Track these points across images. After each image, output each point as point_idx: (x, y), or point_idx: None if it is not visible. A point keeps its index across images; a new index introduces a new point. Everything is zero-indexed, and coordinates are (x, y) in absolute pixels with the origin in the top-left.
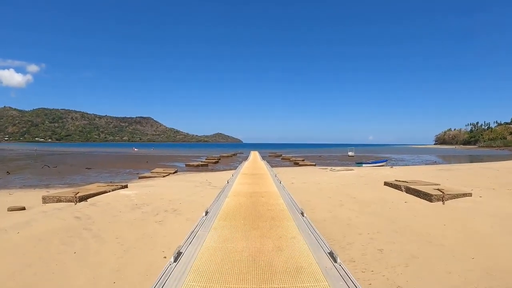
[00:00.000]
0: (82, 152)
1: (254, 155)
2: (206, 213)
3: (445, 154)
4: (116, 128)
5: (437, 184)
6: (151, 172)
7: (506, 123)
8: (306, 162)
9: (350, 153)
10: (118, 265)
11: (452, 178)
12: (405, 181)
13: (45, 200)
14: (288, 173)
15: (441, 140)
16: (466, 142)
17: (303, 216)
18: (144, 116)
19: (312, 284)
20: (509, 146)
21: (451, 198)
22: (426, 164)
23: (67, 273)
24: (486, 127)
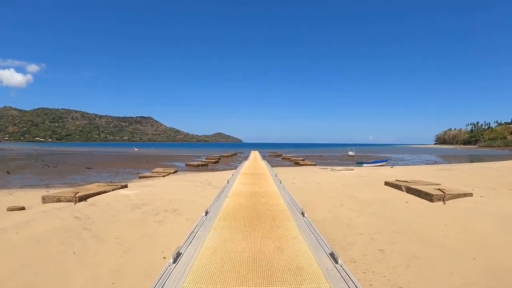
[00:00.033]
0: (82, 151)
1: (254, 154)
2: (206, 213)
3: (445, 154)
4: (117, 128)
5: (438, 184)
6: (151, 172)
7: (507, 123)
8: (306, 162)
9: (350, 153)
10: (118, 266)
11: (453, 178)
12: (406, 181)
13: (45, 200)
14: (289, 173)
15: (441, 140)
16: (466, 142)
17: (303, 216)
18: (145, 115)
19: (313, 285)
20: (510, 146)
21: (452, 198)
22: (427, 164)
23: (66, 273)
24: (486, 127)
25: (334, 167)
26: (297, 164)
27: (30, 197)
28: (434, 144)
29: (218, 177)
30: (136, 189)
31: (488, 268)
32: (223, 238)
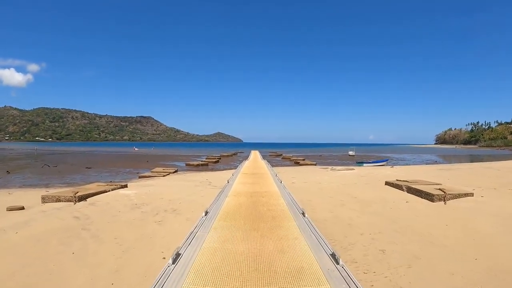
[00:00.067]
0: (82, 151)
1: (255, 154)
2: (206, 213)
3: (445, 154)
4: (117, 128)
5: (439, 184)
6: (151, 172)
7: (507, 123)
8: (306, 161)
9: (350, 153)
10: (117, 266)
11: (453, 177)
12: (406, 181)
13: (44, 199)
14: (289, 173)
15: (441, 139)
16: (466, 142)
17: (304, 216)
18: (145, 115)
19: (314, 286)
20: (510, 145)
21: (452, 198)
22: (427, 163)
23: (65, 274)
24: (486, 127)
25: (334, 167)
26: (297, 163)
27: (30, 196)
28: (435, 144)
29: (218, 177)
30: (136, 189)
31: (489, 269)
32: (223, 238)
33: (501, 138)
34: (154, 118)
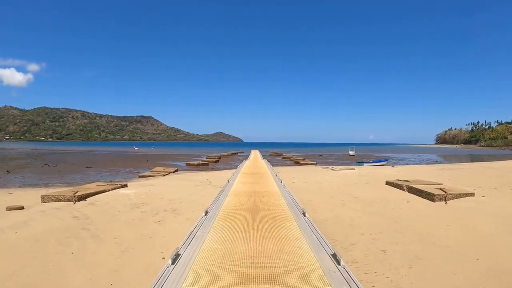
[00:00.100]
0: (82, 151)
1: (255, 154)
2: (206, 213)
3: (446, 154)
4: (117, 127)
5: (439, 184)
6: (151, 171)
7: (507, 123)
8: (307, 161)
9: (351, 152)
10: (116, 266)
11: (454, 177)
12: (407, 181)
13: (44, 199)
14: (289, 172)
15: (442, 139)
16: (467, 142)
17: (304, 216)
18: (145, 115)
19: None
20: (510, 145)
21: (453, 198)
22: (427, 163)
23: (64, 274)
24: (487, 127)
25: (334, 167)
26: (297, 163)
27: (30, 196)
28: (435, 143)
29: (218, 177)
30: (136, 189)
31: (491, 269)
32: (223, 238)
33: (501, 138)
34: (154, 118)
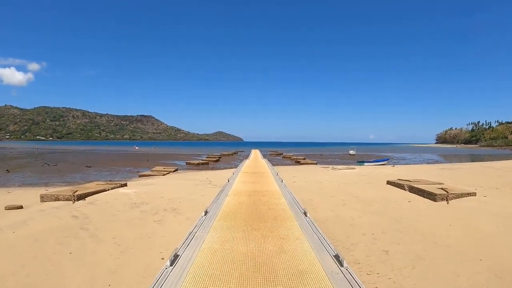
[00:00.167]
0: (83, 150)
1: (255, 153)
2: (206, 212)
3: (446, 153)
4: (117, 127)
5: (441, 183)
6: (151, 171)
7: (508, 123)
8: (307, 160)
9: (351, 152)
10: (115, 266)
11: (455, 177)
12: (408, 180)
13: (43, 198)
14: (290, 172)
15: (442, 139)
16: (467, 141)
17: (306, 216)
18: (145, 114)
19: None
20: (510, 145)
21: (455, 198)
22: (428, 163)
23: (63, 274)
24: (487, 127)
25: (335, 166)
26: (298, 163)
27: (29, 195)
28: (435, 143)
29: (218, 176)
30: (136, 188)
31: (495, 270)
32: (223, 238)
33: (501, 137)
34: (155, 117)
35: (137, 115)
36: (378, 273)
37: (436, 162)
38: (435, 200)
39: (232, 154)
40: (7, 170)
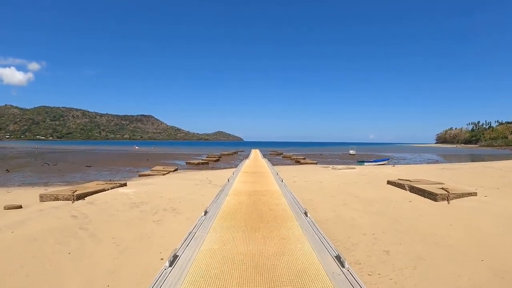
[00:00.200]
0: (83, 150)
1: (255, 153)
2: (206, 212)
3: (446, 153)
4: (117, 126)
5: (441, 183)
6: (151, 170)
7: (508, 123)
8: (307, 160)
9: (351, 152)
10: (113, 267)
11: (455, 177)
12: (409, 180)
13: (43, 198)
14: (290, 172)
15: (442, 139)
16: (467, 141)
17: (306, 216)
18: (145, 114)
19: None
20: (511, 145)
21: (456, 198)
22: (428, 163)
23: (62, 274)
24: (487, 126)
25: (335, 166)
26: (298, 162)
27: (29, 195)
28: (435, 143)
29: (218, 176)
30: (136, 188)
31: (497, 271)
32: (222, 239)
33: (501, 137)
34: (155, 117)
35: (137, 115)
36: (379, 274)
37: (436, 162)
38: (436, 200)
39: (232, 154)
40: (7, 170)
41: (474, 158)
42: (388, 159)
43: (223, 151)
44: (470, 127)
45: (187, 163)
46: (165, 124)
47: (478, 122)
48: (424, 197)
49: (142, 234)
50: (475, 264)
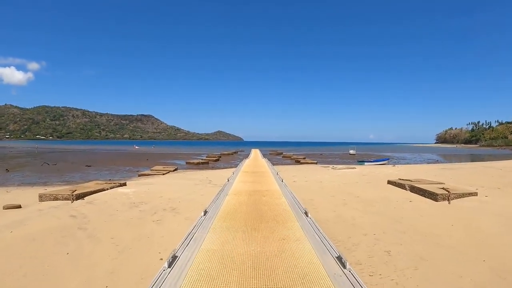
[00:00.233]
0: (82, 149)
1: (255, 153)
2: (205, 212)
3: (446, 153)
4: (117, 126)
5: (442, 183)
6: (151, 170)
7: (508, 123)
8: (307, 160)
9: (351, 152)
10: (112, 267)
11: (456, 177)
12: (409, 180)
13: (42, 198)
14: (290, 171)
15: (442, 139)
16: (467, 141)
17: (307, 216)
18: (145, 114)
19: None
20: (511, 145)
21: (456, 198)
22: (428, 163)
23: (60, 275)
24: (487, 126)
25: (335, 166)
26: (298, 162)
27: (28, 195)
28: (435, 143)
29: (218, 175)
30: (135, 187)
31: (498, 271)
32: (222, 239)
33: (501, 137)
34: (155, 117)
35: (137, 115)
36: (380, 274)
37: (437, 162)
38: (436, 200)
39: (232, 154)
40: (7, 170)
41: (474, 158)
42: (388, 159)
43: (223, 150)
44: (470, 127)
45: (187, 162)
46: (165, 124)
47: (478, 122)
48: (425, 197)
49: (141, 234)
50: (476, 264)
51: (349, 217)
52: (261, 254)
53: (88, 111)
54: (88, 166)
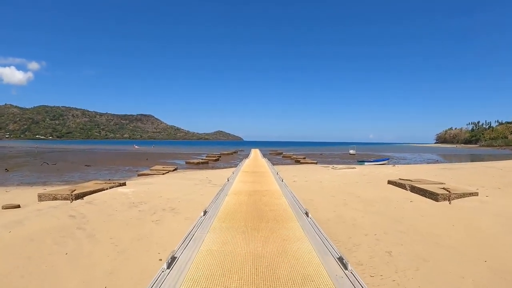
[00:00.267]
0: (82, 149)
1: (255, 152)
2: (205, 212)
3: (446, 153)
4: (117, 126)
5: (442, 183)
6: (151, 170)
7: (508, 123)
8: (307, 160)
9: (351, 151)
10: (111, 268)
11: (456, 177)
12: (409, 180)
13: (41, 197)
14: (290, 171)
15: (442, 139)
16: (467, 141)
17: (307, 216)
18: (145, 113)
19: None
20: (511, 145)
21: (457, 198)
22: (428, 163)
23: (58, 275)
24: (487, 126)
25: (335, 166)
26: (298, 162)
27: (28, 194)
28: (435, 143)
29: (218, 175)
30: (134, 187)
31: (500, 272)
32: (222, 240)
33: (501, 137)
34: (155, 116)
35: (137, 114)
36: (381, 275)
37: (437, 162)
38: (437, 200)
39: (232, 154)
40: (6, 169)
41: (474, 158)
42: (388, 159)
43: (223, 150)
44: (470, 127)
45: (186, 162)
46: (165, 123)
47: (478, 122)
48: (425, 197)
49: (140, 235)
50: (478, 265)
51: (349, 217)
52: (261, 255)
53: (88, 111)
54: (88, 166)
